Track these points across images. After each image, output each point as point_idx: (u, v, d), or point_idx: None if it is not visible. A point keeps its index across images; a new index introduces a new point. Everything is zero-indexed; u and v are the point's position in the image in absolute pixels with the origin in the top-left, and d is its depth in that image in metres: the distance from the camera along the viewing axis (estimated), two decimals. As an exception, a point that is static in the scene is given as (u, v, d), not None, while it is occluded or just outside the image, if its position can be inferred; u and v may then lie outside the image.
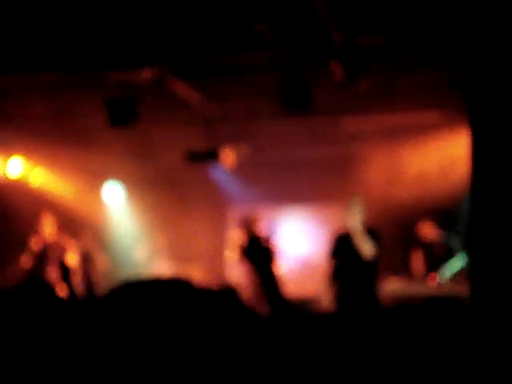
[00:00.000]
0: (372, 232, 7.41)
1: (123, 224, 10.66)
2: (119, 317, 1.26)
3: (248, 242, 8.75)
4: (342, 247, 7.41)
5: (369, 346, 2.47)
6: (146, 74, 7.75)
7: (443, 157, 9.39)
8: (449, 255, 8.51)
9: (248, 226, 8.85)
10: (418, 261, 8.75)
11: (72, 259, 8.42)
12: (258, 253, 8.65)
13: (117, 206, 10.69)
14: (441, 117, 8.86)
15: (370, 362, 2.38)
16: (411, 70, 7.94)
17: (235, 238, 8.95)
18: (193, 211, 10.54)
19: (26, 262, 8.29)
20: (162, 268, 9.59)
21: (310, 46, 7.57)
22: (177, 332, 1.24)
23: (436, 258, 8.58)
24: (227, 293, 1.32)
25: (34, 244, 8.36)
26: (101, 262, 9.72)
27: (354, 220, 7.38)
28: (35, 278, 7.87)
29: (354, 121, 9.29)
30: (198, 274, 9.27)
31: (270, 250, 8.74)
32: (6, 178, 9.47)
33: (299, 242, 10.51)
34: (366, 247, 7.24)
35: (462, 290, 7.42)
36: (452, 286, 8.11)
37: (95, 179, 10.41)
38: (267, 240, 8.86)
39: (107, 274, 9.50)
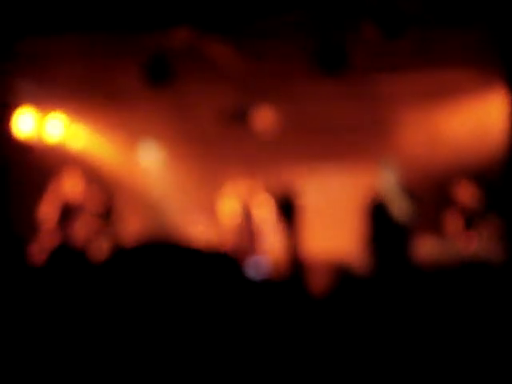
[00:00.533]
0: (407, 192, 7.37)
1: (159, 184, 10.73)
2: (115, 283, 1.29)
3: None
4: (377, 211, 7.39)
5: (405, 310, 2.48)
6: (180, 34, 7.75)
7: (481, 117, 9.28)
8: (485, 216, 8.46)
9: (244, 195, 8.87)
10: (453, 222, 8.71)
11: (95, 218, 8.35)
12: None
13: (153, 166, 10.74)
14: (478, 76, 8.74)
15: (408, 326, 2.39)
16: (447, 29, 7.83)
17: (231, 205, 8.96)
18: (228, 171, 10.56)
19: (46, 218, 8.16)
20: (196, 228, 9.65)
21: (346, 5, 7.50)
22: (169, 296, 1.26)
23: (472, 219, 8.53)
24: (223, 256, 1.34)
25: (52, 200, 8.23)
26: (132, 223, 9.74)
27: (387, 180, 7.34)
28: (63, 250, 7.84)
29: (390, 80, 9.21)
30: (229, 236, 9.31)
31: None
32: (43, 139, 9.53)
33: (331, 202, 10.48)
34: (400, 208, 7.22)
35: (498, 251, 7.40)
36: (488, 247, 8.07)
37: (132, 139, 10.46)
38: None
39: (139, 235, 9.55)
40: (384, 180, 7.40)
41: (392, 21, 7.57)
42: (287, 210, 8.75)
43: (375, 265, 7.15)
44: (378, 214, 7.40)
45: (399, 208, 7.23)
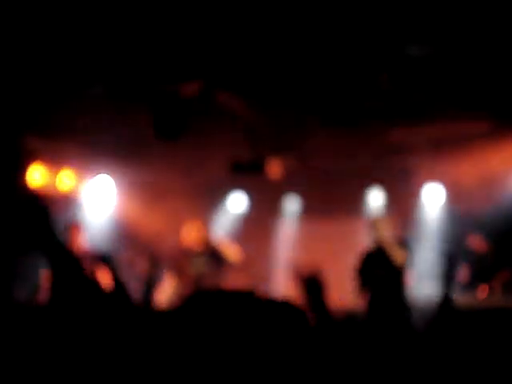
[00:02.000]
0: (403, 242, 7.40)
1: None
2: (184, 329, 1.30)
3: None
4: (371, 263, 7.37)
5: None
6: (191, 87, 7.84)
7: (491, 168, 9.24)
8: (496, 268, 8.41)
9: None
10: (465, 272, 8.67)
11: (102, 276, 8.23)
12: None
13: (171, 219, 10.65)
14: (489, 127, 8.75)
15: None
16: (460, 81, 7.85)
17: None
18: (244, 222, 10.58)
19: None
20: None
21: (360, 58, 7.56)
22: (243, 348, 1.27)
23: (485, 270, 8.48)
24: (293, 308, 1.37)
25: None
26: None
27: (382, 232, 7.34)
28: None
29: (401, 132, 9.24)
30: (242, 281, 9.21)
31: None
32: (57, 190, 9.59)
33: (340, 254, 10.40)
34: (398, 256, 7.20)
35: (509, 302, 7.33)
36: (502, 298, 8.00)
37: (147, 193, 10.45)
38: None
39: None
40: (377, 231, 7.39)
41: (402, 73, 7.64)
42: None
43: (372, 312, 7.09)
44: (372, 268, 7.36)
45: (396, 256, 7.20)
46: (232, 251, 8.33)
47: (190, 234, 8.34)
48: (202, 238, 8.29)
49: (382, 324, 2.68)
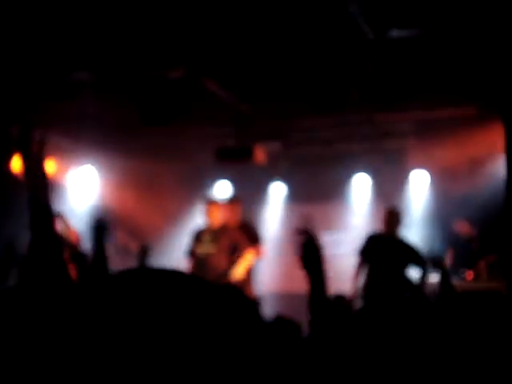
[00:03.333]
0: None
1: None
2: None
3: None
4: (373, 247, 7.51)
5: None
6: (177, 74, 7.79)
7: (476, 152, 9.25)
8: (483, 252, 8.45)
9: None
10: (450, 257, 8.73)
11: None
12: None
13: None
14: (475, 112, 8.76)
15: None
16: (446, 64, 7.85)
17: None
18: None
19: None
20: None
21: (341, 42, 7.54)
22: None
23: (471, 255, 8.52)
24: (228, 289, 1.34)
25: None
26: None
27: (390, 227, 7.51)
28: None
29: (388, 117, 9.23)
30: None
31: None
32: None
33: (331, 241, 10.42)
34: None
35: (499, 285, 7.38)
36: (489, 281, 8.06)
37: (135, 180, 10.38)
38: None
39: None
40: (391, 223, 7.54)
41: (387, 57, 7.64)
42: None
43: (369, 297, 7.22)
44: (374, 253, 7.49)
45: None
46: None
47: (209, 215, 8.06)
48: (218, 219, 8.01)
49: (380, 307, 2.65)
